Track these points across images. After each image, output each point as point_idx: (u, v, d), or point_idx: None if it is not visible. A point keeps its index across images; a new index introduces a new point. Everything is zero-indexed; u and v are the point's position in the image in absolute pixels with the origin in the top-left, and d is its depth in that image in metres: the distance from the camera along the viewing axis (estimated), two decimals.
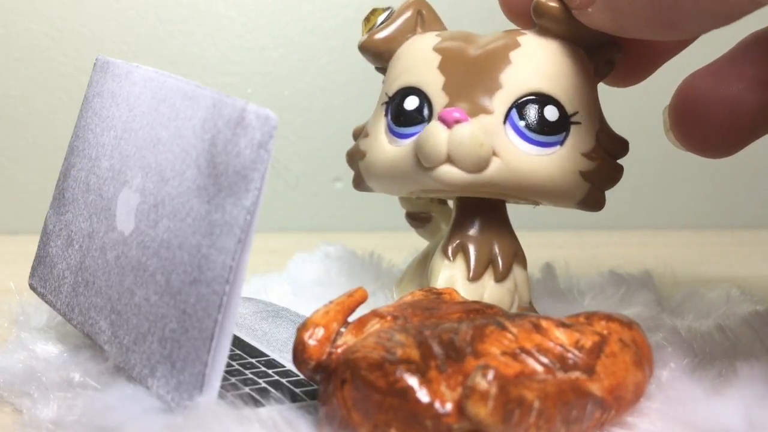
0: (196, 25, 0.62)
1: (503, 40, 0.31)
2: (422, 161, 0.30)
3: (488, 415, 0.20)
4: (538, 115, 0.30)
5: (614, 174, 0.31)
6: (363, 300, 0.25)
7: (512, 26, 0.32)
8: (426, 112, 0.31)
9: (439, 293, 0.27)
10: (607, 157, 0.31)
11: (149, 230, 0.25)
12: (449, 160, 0.29)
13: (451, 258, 0.31)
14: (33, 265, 0.31)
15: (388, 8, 0.34)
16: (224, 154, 0.23)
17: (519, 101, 0.30)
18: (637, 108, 0.53)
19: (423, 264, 0.35)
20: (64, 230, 0.29)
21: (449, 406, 0.21)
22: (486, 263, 0.31)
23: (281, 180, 0.64)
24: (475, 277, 0.31)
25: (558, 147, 0.30)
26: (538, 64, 0.30)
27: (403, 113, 0.31)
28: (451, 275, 0.31)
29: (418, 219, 0.38)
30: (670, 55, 0.31)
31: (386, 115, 0.32)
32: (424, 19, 0.33)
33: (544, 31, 0.31)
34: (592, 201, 0.31)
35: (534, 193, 0.30)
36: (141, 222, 0.25)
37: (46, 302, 0.30)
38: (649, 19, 0.26)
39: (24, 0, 0.60)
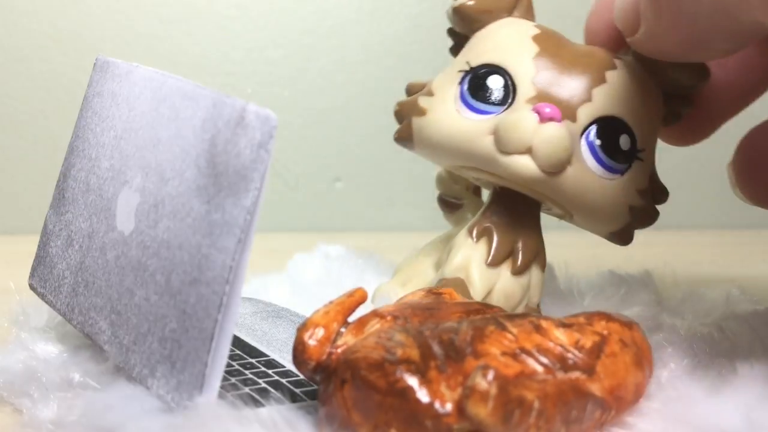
0: (196, 25, 0.62)
1: (601, 58, 0.31)
2: (500, 144, 0.29)
3: (488, 415, 0.20)
4: (613, 140, 0.30)
5: (652, 218, 0.32)
6: (363, 300, 0.25)
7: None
8: (505, 95, 0.30)
9: (439, 293, 0.27)
10: (652, 199, 0.32)
11: (149, 230, 0.25)
12: (530, 152, 0.29)
13: (475, 239, 0.31)
14: (33, 265, 0.31)
15: None
16: (224, 154, 0.23)
17: (600, 120, 0.30)
18: None
19: (443, 244, 0.34)
20: (64, 230, 0.29)
21: (449, 406, 0.21)
22: (507, 253, 0.31)
23: (281, 180, 0.64)
24: (493, 263, 0.31)
25: (619, 176, 0.30)
26: (627, 91, 0.30)
27: (484, 89, 0.31)
28: (469, 255, 0.31)
29: (449, 205, 0.38)
30: (730, 115, 0.32)
31: (461, 83, 0.31)
32: (522, 3, 0.33)
33: (637, 63, 0.31)
34: (624, 236, 0.32)
35: (583, 210, 0.31)
36: (141, 222, 0.25)
37: (46, 302, 0.30)
38: (680, 41, 0.26)
39: (24, 0, 0.60)
